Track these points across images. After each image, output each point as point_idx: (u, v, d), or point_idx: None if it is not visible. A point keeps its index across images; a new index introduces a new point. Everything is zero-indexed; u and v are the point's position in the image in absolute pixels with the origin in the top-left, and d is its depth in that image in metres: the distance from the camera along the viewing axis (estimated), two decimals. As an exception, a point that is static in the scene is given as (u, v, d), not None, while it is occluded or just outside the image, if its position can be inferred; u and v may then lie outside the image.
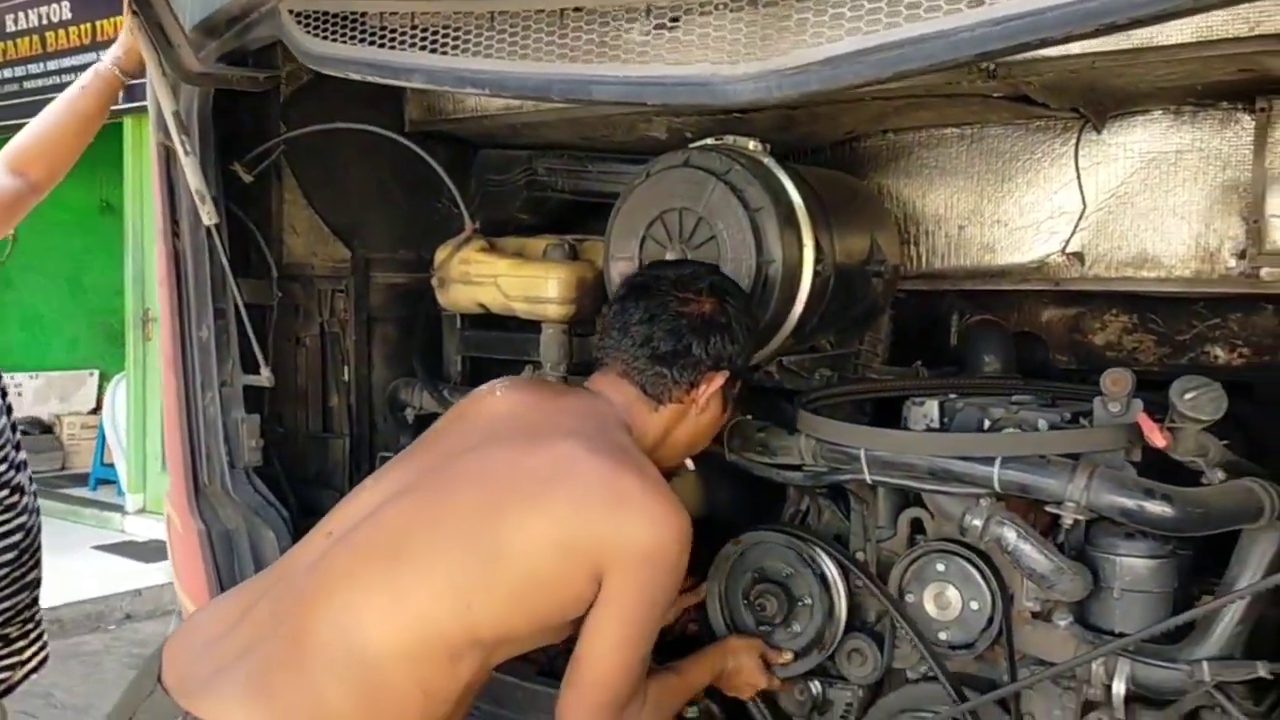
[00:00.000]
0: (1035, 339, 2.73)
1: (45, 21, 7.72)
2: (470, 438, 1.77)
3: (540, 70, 1.60)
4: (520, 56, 1.63)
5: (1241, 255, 2.14)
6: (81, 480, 8.64)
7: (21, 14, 7.86)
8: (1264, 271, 2.11)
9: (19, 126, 2.42)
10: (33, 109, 2.56)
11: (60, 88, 2.45)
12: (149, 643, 5.44)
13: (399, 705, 1.56)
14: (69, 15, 7.55)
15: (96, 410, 9.24)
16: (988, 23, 1.21)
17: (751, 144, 2.09)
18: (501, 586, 1.60)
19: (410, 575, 1.59)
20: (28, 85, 7.83)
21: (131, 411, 7.62)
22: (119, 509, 7.73)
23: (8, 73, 8.03)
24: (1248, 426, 2.44)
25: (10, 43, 7.99)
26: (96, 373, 9.76)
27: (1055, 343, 2.85)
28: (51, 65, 7.66)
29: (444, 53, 1.73)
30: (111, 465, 8.19)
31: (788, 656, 2.05)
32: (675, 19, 1.46)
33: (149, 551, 6.82)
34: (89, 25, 7.34)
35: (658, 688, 1.81)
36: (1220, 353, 2.66)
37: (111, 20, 7.03)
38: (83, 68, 2.41)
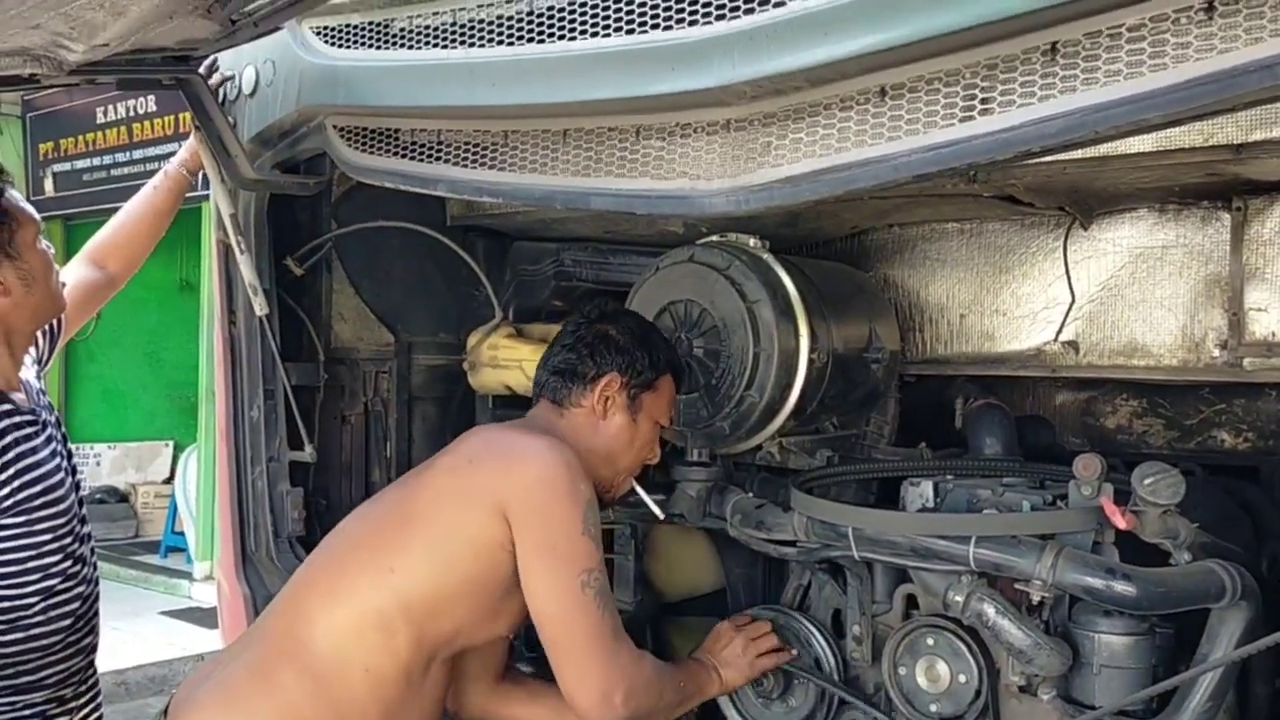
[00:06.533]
0: (1043, 422, 2.82)
1: (132, 114, 8.21)
2: (419, 467, 2.03)
3: (546, 183, 1.80)
4: (530, 170, 1.83)
5: (1224, 346, 2.24)
6: (153, 548, 8.90)
7: (110, 106, 8.36)
8: (1246, 361, 2.21)
9: (105, 212, 2.68)
10: (118, 195, 2.82)
11: (145, 174, 2.73)
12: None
13: (345, 685, 1.74)
14: (154, 108, 8.03)
15: (171, 479, 9.48)
16: (921, 149, 1.38)
17: (752, 241, 2.25)
18: (416, 545, 1.79)
19: (345, 564, 1.82)
20: (114, 173, 8.31)
21: (202, 481, 7.86)
22: (187, 576, 7.96)
23: (96, 161, 8.54)
24: (1253, 509, 2.51)
25: (99, 133, 8.50)
26: (171, 443, 10.05)
27: (1068, 426, 2.94)
28: (137, 154, 8.13)
29: (465, 166, 1.94)
30: (182, 533, 8.43)
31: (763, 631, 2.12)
32: (660, 140, 1.65)
33: (214, 618, 6.99)
34: (173, 117, 7.78)
35: (655, 660, 1.93)
36: (1226, 437, 2.74)
37: (194, 112, 7.45)
38: (166, 157, 2.67)
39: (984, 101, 1.40)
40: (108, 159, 8.42)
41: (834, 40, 1.46)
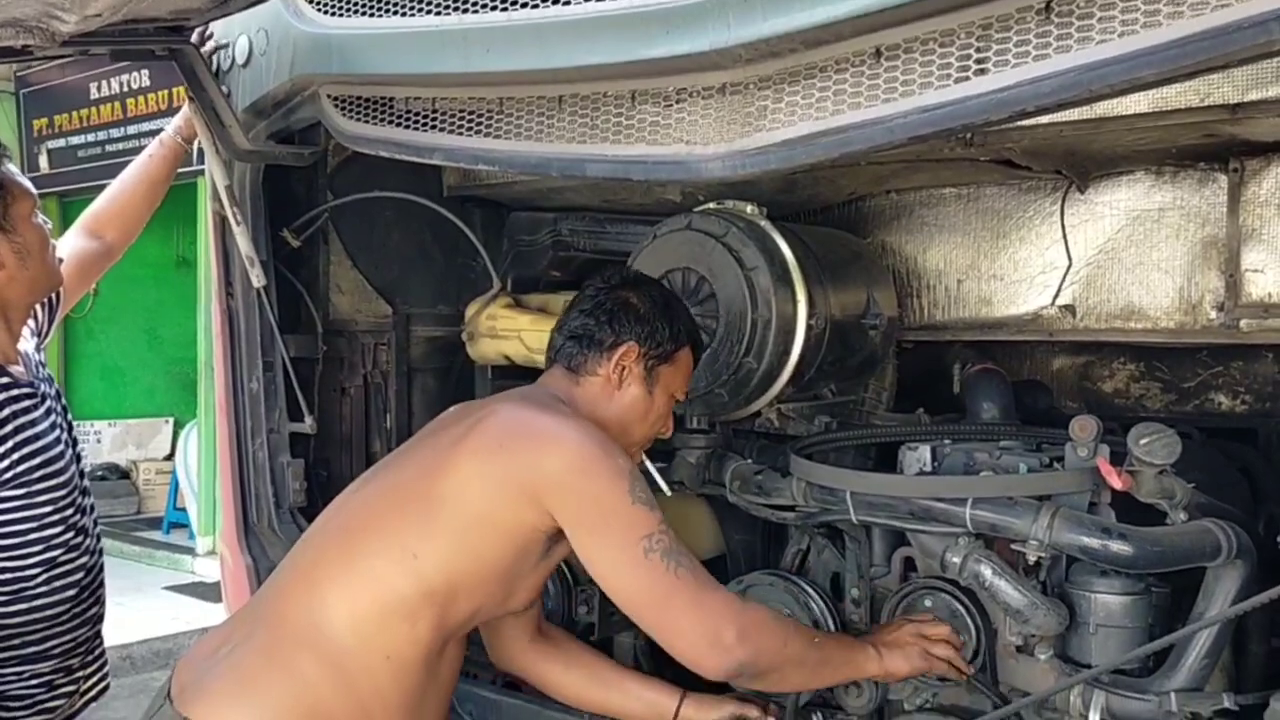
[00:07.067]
0: (1040, 387, 2.83)
1: (126, 89, 8.18)
2: (421, 435, 1.97)
3: (541, 150, 1.80)
4: (525, 137, 1.82)
5: (1221, 307, 2.24)
6: (156, 524, 8.94)
7: (104, 81, 8.33)
8: (1243, 323, 2.21)
9: (100, 188, 2.68)
10: (113, 171, 2.81)
11: (140, 150, 2.71)
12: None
13: (368, 673, 1.70)
14: (148, 83, 7.99)
15: (171, 456, 9.52)
16: (916, 111, 1.38)
17: (749, 208, 2.25)
18: (442, 530, 1.73)
19: (361, 545, 1.76)
20: (109, 149, 8.28)
21: (203, 457, 7.89)
22: (190, 551, 8.01)
23: (90, 137, 8.51)
24: (1251, 471, 2.53)
25: (93, 109, 8.47)
26: (172, 420, 10.09)
27: (1065, 390, 2.95)
28: (131, 130, 8.11)
29: (460, 133, 1.93)
30: (184, 509, 8.47)
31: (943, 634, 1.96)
32: (656, 105, 1.65)
33: (217, 592, 7.03)
34: (166, 92, 7.75)
35: (773, 610, 1.89)
36: (1224, 400, 2.75)
37: (187, 87, 7.43)
38: (160, 132, 2.66)
39: (979, 62, 1.39)
40: (102, 135, 8.40)
41: (829, 1, 1.45)
